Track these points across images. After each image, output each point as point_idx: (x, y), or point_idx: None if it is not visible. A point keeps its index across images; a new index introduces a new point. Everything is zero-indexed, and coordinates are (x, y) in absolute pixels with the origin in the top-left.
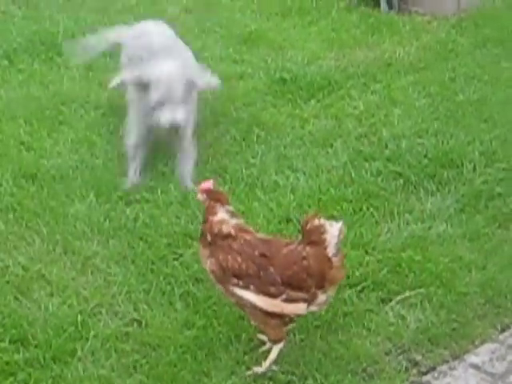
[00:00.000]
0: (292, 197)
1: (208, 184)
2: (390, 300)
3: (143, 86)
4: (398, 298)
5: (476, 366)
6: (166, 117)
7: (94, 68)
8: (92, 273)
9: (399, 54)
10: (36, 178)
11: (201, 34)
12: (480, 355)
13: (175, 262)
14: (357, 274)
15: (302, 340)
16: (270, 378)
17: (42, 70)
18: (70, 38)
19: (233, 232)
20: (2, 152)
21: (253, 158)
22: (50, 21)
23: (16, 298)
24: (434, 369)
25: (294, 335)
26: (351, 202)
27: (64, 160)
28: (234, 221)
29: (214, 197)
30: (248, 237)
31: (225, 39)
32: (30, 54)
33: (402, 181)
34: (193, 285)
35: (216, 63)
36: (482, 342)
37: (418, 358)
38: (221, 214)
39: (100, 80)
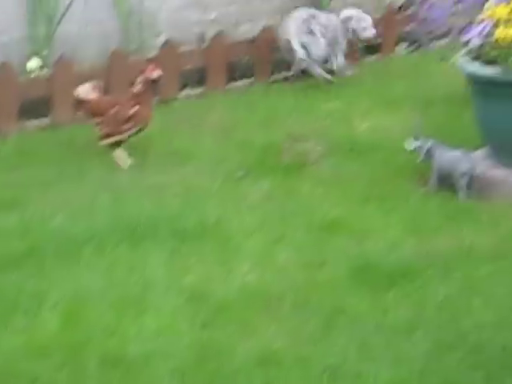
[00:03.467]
0: None
1: None
2: None
3: None
4: None
5: None
6: None
7: (177, 253)
8: None
9: (479, 242)
10: (121, 363)
11: (282, 221)
12: None
13: None
14: None
15: None
16: None
17: (127, 255)
18: (153, 224)
19: None
20: (87, 337)
21: (335, 346)
22: (134, 206)
23: None
24: None
25: None
26: None
27: (148, 346)
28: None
29: None
30: None
31: (305, 226)
32: (115, 238)
33: (483, 372)
34: None
35: (297, 251)
36: None
37: None
38: None
39: (182, 266)
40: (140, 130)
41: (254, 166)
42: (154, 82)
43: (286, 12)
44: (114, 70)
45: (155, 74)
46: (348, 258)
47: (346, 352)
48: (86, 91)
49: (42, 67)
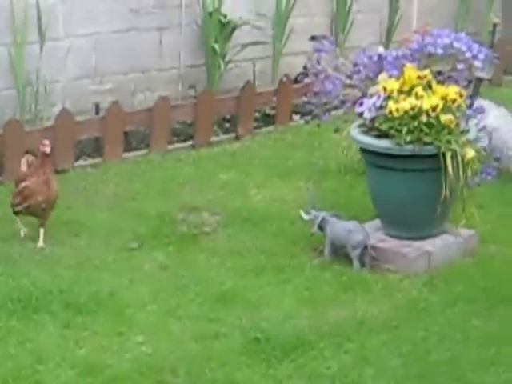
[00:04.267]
0: None
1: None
2: None
3: None
4: None
5: None
6: None
7: (71, 326)
8: None
9: (372, 313)
10: None
11: (176, 291)
12: None
13: None
14: None
15: None
16: None
17: (19, 327)
18: (47, 296)
19: None
20: None
21: None
22: (28, 277)
23: None
24: None
25: None
26: None
27: None
28: None
29: None
30: None
31: (200, 297)
32: (8, 310)
33: None
34: None
35: (191, 322)
36: None
37: None
38: None
39: (76, 338)
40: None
41: (149, 237)
42: (47, 156)
43: (184, 81)
44: (9, 140)
45: (47, 148)
46: (242, 329)
47: None
48: (23, 163)
49: None
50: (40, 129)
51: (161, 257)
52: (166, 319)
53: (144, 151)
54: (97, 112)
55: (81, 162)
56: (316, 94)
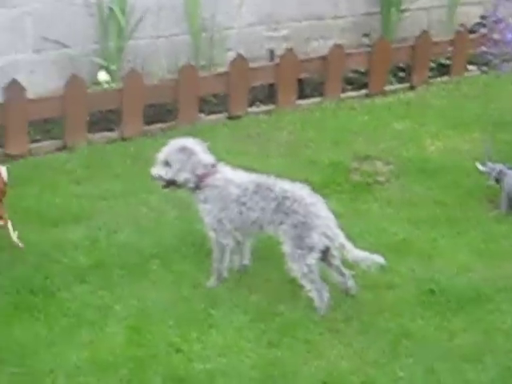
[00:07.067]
0: None
1: None
2: None
3: None
4: None
5: None
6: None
7: (243, 272)
8: None
9: None
10: (186, 381)
11: (349, 240)
12: None
13: None
14: None
15: None
16: None
17: (193, 271)
18: None
19: None
20: (152, 353)
21: (401, 370)
22: (201, 222)
23: None
24: None
25: None
26: None
27: (213, 364)
28: None
29: None
30: None
31: (373, 247)
32: (181, 254)
33: None
34: None
35: (365, 272)
36: None
37: None
38: None
39: (249, 284)
40: None
41: (322, 185)
42: None
43: (359, 29)
44: (183, 85)
45: None
46: (416, 280)
47: (411, 377)
48: None
49: (109, 82)
50: (214, 74)
51: (334, 205)
52: None
53: (318, 99)
54: (271, 58)
55: (254, 109)
56: (496, 43)
